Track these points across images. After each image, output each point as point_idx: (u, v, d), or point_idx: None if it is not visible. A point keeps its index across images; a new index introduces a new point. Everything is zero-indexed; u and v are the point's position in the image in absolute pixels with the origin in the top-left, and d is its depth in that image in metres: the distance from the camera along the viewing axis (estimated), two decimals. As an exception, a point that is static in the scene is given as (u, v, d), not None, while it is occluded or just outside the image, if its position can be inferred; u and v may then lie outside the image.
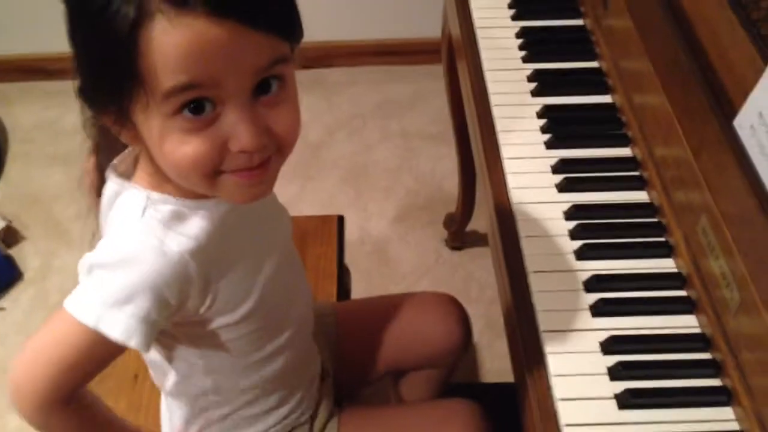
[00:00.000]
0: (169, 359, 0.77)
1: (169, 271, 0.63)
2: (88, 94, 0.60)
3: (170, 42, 0.52)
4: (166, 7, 0.51)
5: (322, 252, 1.18)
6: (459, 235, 1.72)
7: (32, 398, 0.67)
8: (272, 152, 0.60)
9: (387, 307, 1.03)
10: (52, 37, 2.16)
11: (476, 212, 1.67)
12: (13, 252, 1.76)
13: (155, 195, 0.65)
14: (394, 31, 2.12)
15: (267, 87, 0.57)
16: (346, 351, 1.00)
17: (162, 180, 0.65)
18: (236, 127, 0.56)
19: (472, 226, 1.71)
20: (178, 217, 0.65)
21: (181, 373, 0.78)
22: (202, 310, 0.69)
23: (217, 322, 0.72)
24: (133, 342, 0.64)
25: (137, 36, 0.52)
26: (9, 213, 1.82)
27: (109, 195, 0.68)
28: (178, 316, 0.68)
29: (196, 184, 0.61)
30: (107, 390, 1.02)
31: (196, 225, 0.66)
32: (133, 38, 0.52)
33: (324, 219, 1.23)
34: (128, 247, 0.63)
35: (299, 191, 1.85)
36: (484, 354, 1.58)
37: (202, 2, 0.51)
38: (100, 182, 0.70)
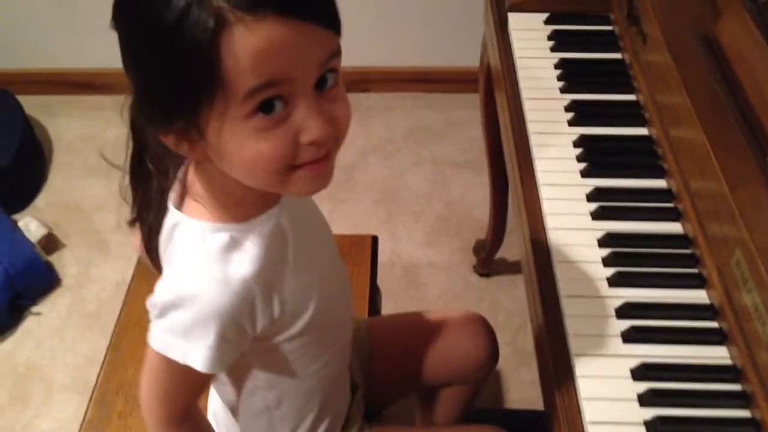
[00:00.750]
0: (234, 376, 0.80)
1: (237, 299, 0.67)
2: (154, 113, 0.61)
3: (249, 46, 0.55)
4: (242, 14, 0.55)
5: (355, 271, 1.20)
6: (488, 262, 1.73)
7: (153, 420, 0.77)
8: (333, 144, 0.63)
9: (417, 323, 1.05)
10: (99, 54, 2.24)
11: (506, 240, 1.68)
12: (53, 258, 1.81)
13: (209, 225, 0.68)
14: (430, 59, 2.16)
15: (324, 81, 0.61)
16: (377, 365, 1.02)
17: (215, 205, 0.68)
18: (307, 120, 0.59)
19: (501, 254, 1.73)
20: (233, 244, 0.68)
21: (245, 388, 0.82)
22: (267, 326, 0.72)
23: (280, 336, 0.75)
24: (217, 369, 0.69)
25: (218, 43, 0.55)
26: (50, 221, 1.87)
27: (168, 227, 0.71)
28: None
29: (268, 182, 0.63)
30: (134, 398, 1.04)
31: (250, 248, 0.68)
32: (215, 46, 0.55)
33: (358, 238, 1.25)
34: (194, 283, 0.66)
35: (331, 212, 1.88)
36: (509, 381, 1.59)
37: (272, 6, 0.55)
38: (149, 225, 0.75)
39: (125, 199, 0.75)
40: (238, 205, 0.68)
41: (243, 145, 0.60)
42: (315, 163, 0.62)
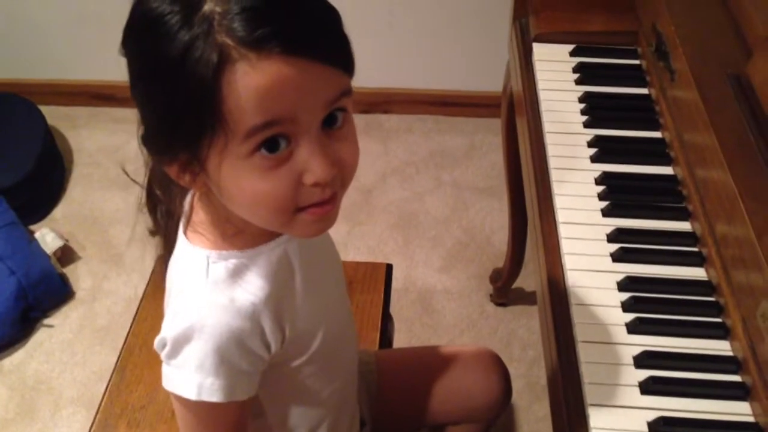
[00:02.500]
0: None
1: (247, 324, 0.65)
2: (156, 143, 0.61)
3: (251, 84, 0.54)
4: (246, 52, 0.53)
5: (368, 299, 1.18)
6: (505, 291, 1.70)
7: None
8: (339, 185, 0.62)
9: (428, 358, 1.03)
10: (122, 67, 2.25)
11: (524, 270, 1.65)
12: (67, 271, 1.80)
13: (213, 254, 0.67)
14: (453, 82, 2.14)
15: (333, 120, 0.59)
16: (385, 400, 0.99)
17: (218, 234, 0.67)
18: (310, 160, 0.58)
19: (518, 283, 1.70)
20: (240, 271, 0.67)
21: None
22: (278, 350, 0.70)
23: (288, 364, 0.74)
24: (238, 397, 0.68)
25: (220, 80, 0.54)
26: (67, 233, 1.87)
27: (176, 252, 0.70)
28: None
29: (271, 222, 0.62)
30: (148, 416, 1.03)
31: (258, 274, 0.67)
32: (217, 82, 0.54)
33: (372, 266, 1.23)
34: (201, 314, 0.65)
35: (348, 234, 1.86)
36: (522, 416, 1.55)
37: (278, 44, 0.54)
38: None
39: (143, 212, 0.75)
40: (242, 235, 0.67)
41: (244, 183, 0.58)
42: (319, 206, 0.60)
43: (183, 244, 0.69)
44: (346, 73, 0.59)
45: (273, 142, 0.57)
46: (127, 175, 0.75)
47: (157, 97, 0.58)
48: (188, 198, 0.70)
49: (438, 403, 1.00)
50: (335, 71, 0.57)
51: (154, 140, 0.61)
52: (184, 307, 0.66)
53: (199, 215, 0.68)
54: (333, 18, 0.59)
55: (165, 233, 0.73)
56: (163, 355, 0.67)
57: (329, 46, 0.57)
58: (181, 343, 0.65)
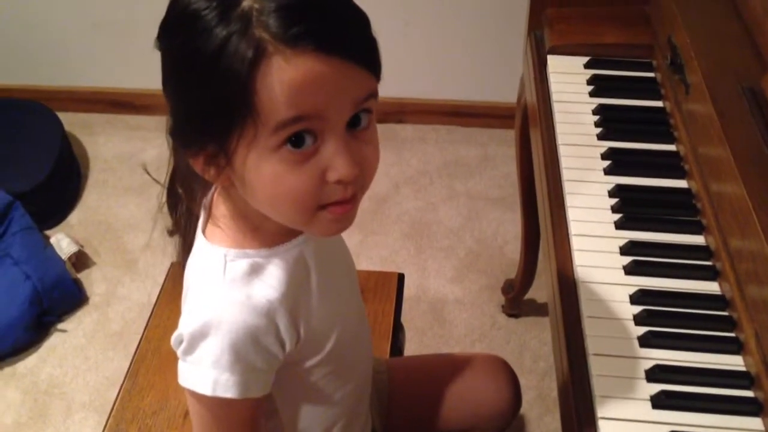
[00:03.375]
0: None
1: (262, 321, 0.66)
2: (186, 135, 0.62)
3: (285, 78, 0.55)
4: (282, 47, 0.55)
5: (379, 309, 1.18)
6: (516, 302, 1.70)
7: None
8: (360, 185, 0.63)
9: (439, 366, 1.03)
10: (140, 74, 2.28)
11: (536, 281, 1.64)
12: (82, 276, 1.82)
13: (231, 252, 0.68)
14: (468, 92, 2.14)
15: (357, 121, 0.61)
16: (396, 407, 1.00)
17: (237, 230, 0.68)
18: (335, 158, 0.59)
19: (530, 294, 1.69)
20: (256, 269, 0.68)
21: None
22: (293, 349, 0.71)
23: (302, 364, 0.74)
24: (252, 394, 0.68)
25: (255, 73, 0.55)
26: (82, 238, 1.89)
27: (195, 250, 0.71)
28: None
29: (291, 218, 0.64)
30: (159, 422, 1.04)
31: (274, 273, 0.68)
32: (252, 76, 0.55)
33: (384, 275, 1.23)
34: (218, 310, 0.66)
35: (360, 243, 1.86)
36: (533, 427, 1.54)
37: (313, 41, 0.55)
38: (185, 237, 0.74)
39: (162, 211, 0.76)
40: (261, 233, 0.68)
41: (268, 177, 0.60)
42: (340, 205, 0.62)
43: (201, 242, 0.70)
44: (373, 75, 0.60)
45: (299, 138, 0.58)
46: (148, 174, 0.77)
47: (191, 90, 0.59)
48: (208, 196, 0.71)
49: (448, 410, 1.00)
50: (364, 72, 0.59)
51: (184, 132, 0.62)
52: (201, 304, 0.67)
53: (220, 209, 0.69)
54: (364, 20, 0.60)
55: (184, 233, 0.75)
56: (179, 351, 0.68)
57: (360, 46, 0.59)
58: (197, 338, 0.66)
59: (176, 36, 0.59)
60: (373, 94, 0.61)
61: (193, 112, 0.60)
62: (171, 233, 0.77)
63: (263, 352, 0.67)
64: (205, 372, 0.66)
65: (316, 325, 0.72)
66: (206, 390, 0.66)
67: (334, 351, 0.75)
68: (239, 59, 0.55)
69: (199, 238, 0.71)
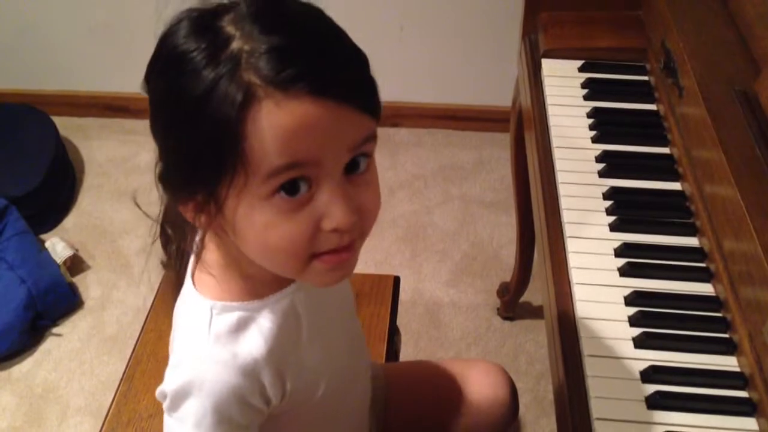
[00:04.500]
0: None
1: (247, 380, 0.64)
2: (174, 182, 0.59)
3: (276, 124, 0.53)
4: (273, 91, 0.52)
5: (375, 312, 1.18)
6: (512, 305, 1.70)
7: None
8: (359, 233, 0.60)
9: (436, 372, 1.03)
10: (135, 79, 2.28)
11: (531, 284, 1.65)
12: (77, 280, 1.81)
13: (218, 305, 0.65)
14: (462, 96, 2.15)
15: (356, 165, 0.58)
16: (392, 413, 0.99)
17: (226, 279, 0.66)
18: (331, 205, 0.56)
19: (526, 297, 1.70)
20: (243, 324, 0.65)
21: None
22: (278, 403, 0.69)
23: (290, 411, 0.72)
24: None
25: (244, 118, 0.53)
26: (77, 242, 1.88)
27: (183, 293, 0.69)
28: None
29: (284, 268, 0.61)
30: (154, 426, 1.03)
31: (262, 327, 0.66)
32: (241, 121, 0.53)
33: (380, 278, 1.23)
34: (201, 370, 0.64)
35: (356, 246, 1.86)
36: (528, 430, 1.54)
37: (306, 84, 0.52)
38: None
39: (153, 237, 0.73)
40: (251, 282, 0.66)
41: (260, 225, 0.57)
42: (336, 254, 0.59)
43: (189, 288, 0.68)
44: (372, 117, 0.57)
45: (293, 185, 0.55)
46: (139, 208, 0.74)
47: (178, 134, 0.57)
48: (199, 236, 0.67)
49: (445, 416, 1.00)
50: (362, 115, 0.56)
51: (173, 178, 0.59)
52: (184, 361, 0.65)
53: (210, 255, 0.67)
54: (361, 61, 0.58)
55: (177, 270, 0.72)
56: (164, 406, 0.67)
57: (357, 88, 0.56)
58: (180, 397, 0.64)
59: (164, 77, 0.57)
60: (371, 136, 0.58)
61: (182, 157, 0.57)
62: (164, 266, 0.74)
63: (247, 411, 0.66)
64: (189, 431, 0.65)
65: (304, 376, 0.70)
66: None
67: (324, 397, 0.73)
68: (228, 104, 0.52)
69: (188, 282, 0.68)
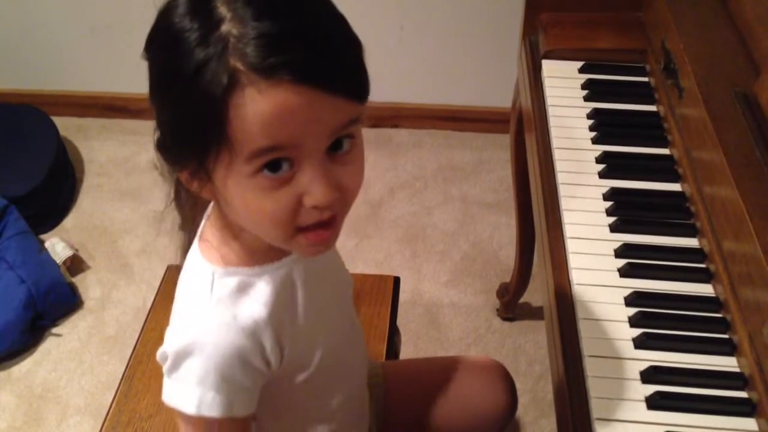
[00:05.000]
0: None
1: (248, 342, 0.66)
2: (168, 149, 0.62)
3: (257, 109, 0.54)
4: (256, 78, 0.54)
5: (375, 311, 1.18)
6: (511, 306, 1.70)
7: None
8: (339, 208, 0.62)
9: (435, 369, 1.03)
10: (135, 79, 2.28)
11: (531, 285, 1.65)
12: (77, 280, 1.81)
13: (220, 270, 0.68)
14: (462, 97, 2.15)
15: (339, 145, 0.60)
16: (392, 412, 1.00)
17: (227, 247, 0.68)
18: (311, 183, 0.58)
19: (525, 298, 1.70)
20: (244, 287, 0.68)
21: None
22: (277, 368, 0.71)
23: (288, 378, 0.74)
24: (237, 413, 0.67)
25: (228, 102, 0.55)
26: (77, 242, 1.88)
27: (188, 259, 0.71)
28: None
29: (273, 238, 0.63)
30: (154, 426, 1.03)
31: (261, 291, 0.68)
32: (225, 104, 0.55)
33: (380, 279, 1.23)
34: (204, 330, 0.66)
35: (356, 248, 1.87)
36: (528, 431, 1.55)
37: (288, 72, 0.54)
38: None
39: (170, 206, 0.74)
40: (251, 250, 0.68)
41: (246, 200, 0.59)
42: (318, 230, 0.61)
43: (194, 253, 0.70)
44: (357, 101, 0.59)
45: (276, 164, 0.57)
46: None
47: (170, 107, 0.59)
48: (209, 207, 0.71)
49: (444, 414, 1.00)
50: (346, 101, 0.57)
51: (166, 147, 0.62)
52: (187, 323, 0.67)
53: (214, 222, 0.69)
54: (351, 49, 0.59)
55: (189, 232, 0.74)
56: (164, 368, 0.68)
57: (343, 77, 0.57)
58: (182, 357, 0.66)
59: (160, 52, 0.59)
60: (355, 120, 0.59)
61: (173, 129, 0.60)
62: (182, 227, 0.75)
63: (249, 372, 0.67)
64: (190, 390, 0.66)
65: (300, 343, 0.72)
66: (191, 409, 0.66)
67: (320, 366, 0.75)
68: (214, 85, 0.54)
69: (194, 247, 0.71)
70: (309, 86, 0.55)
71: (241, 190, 0.59)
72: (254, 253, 0.68)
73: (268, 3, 0.56)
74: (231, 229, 0.68)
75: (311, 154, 0.58)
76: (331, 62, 0.56)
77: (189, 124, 0.58)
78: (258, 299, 0.68)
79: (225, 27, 0.55)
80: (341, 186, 0.60)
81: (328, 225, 0.62)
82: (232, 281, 0.67)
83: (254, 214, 0.60)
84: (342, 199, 0.61)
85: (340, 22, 0.60)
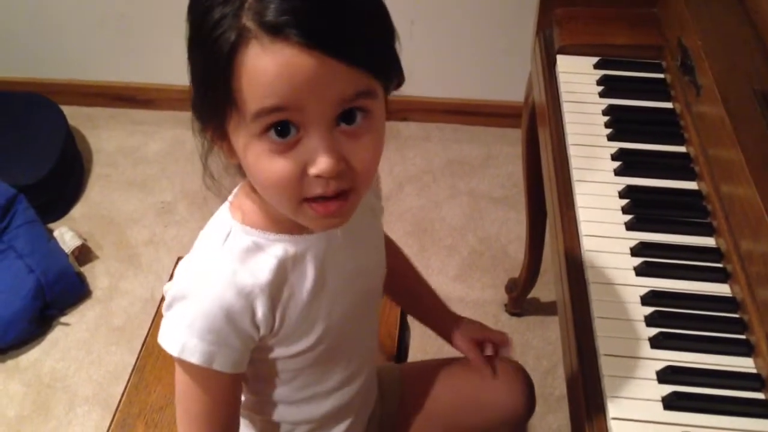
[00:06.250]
0: None
1: (240, 302, 0.67)
2: (196, 107, 0.63)
3: (260, 67, 0.55)
4: (261, 34, 0.55)
5: (385, 307, 1.18)
6: (520, 301, 1.70)
7: None
8: (349, 185, 0.61)
9: (451, 370, 1.02)
10: (143, 69, 2.28)
11: (539, 280, 1.64)
12: (85, 270, 1.81)
13: (238, 226, 0.69)
14: (472, 91, 2.14)
15: (352, 117, 0.59)
16: (407, 411, 0.99)
17: (255, 209, 0.69)
18: (315, 151, 0.58)
19: (533, 293, 1.69)
20: (255, 250, 0.68)
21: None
22: (266, 335, 0.72)
23: (276, 351, 0.74)
24: (217, 366, 0.68)
25: (233, 59, 0.56)
26: (85, 232, 1.88)
27: (219, 210, 0.73)
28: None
29: (281, 205, 0.64)
30: (166, 418, 1.03)
31: (271, 259, 0.69)
32: (230, 60, 0.56)
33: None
34: (203, 277, 0.67)
35: (364, 240, 1.86)
36: (535, 426, 1.54)
37: (295, 32, 0.54)
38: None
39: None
40: (273, 218, 0.69)
41: (255, 163, 0.60)
42: (323, 204, 0.61)
43: (222, 209, 0.72)
44: (371, 73, 0.58)
45: (284, 127, 0.58)
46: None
47: (193, 63, 0.61)
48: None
49: (460, 414, 0.99)
50: (355, 70, 0.56)
51: (194, 104, 0.63)
52: (192, 268, 0.69)
53: (245, 186, 0.70)
54: (373, 24, 0.59)
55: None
56: (165, 304, 0.69)
57: (354, 44, 0.56)
58: (177, 299, 0.68)
59: (191, 11, 0.60)
60: (366, 92, 0.58)
61: (196, 83, 0.61)
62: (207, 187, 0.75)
63: (236, 330, 0.68)
64: (177, 333, 0.67)
65: (297, 318, 0.72)
66: (174, 351, 0.67)
67: (316, 345, 0.75)
68: (223, 41, 0.56)
69: (224, 206, 0.72)
70: (314, 48, 0.54)
71: (251, 152, 0.60)
72: (277, 221, 0.69)
73: None
74: (259, 194, 0.68)
75: (317, 120, 0.58)
76: (342, 27, 0.56)
77: (205, 81, 0.59)
78: (263, 265, 0.68)
79: None
80: (349, 159, 0.60)
81: (336, 198, 0.61)
82: (247, 239, 0.68)
83: (262, 178, 0.61)
84: (351, 174, 0.60)
85: (375, 3, 0.60)
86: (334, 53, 0.55)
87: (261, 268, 0.68)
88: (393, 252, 0.93)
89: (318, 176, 0.59)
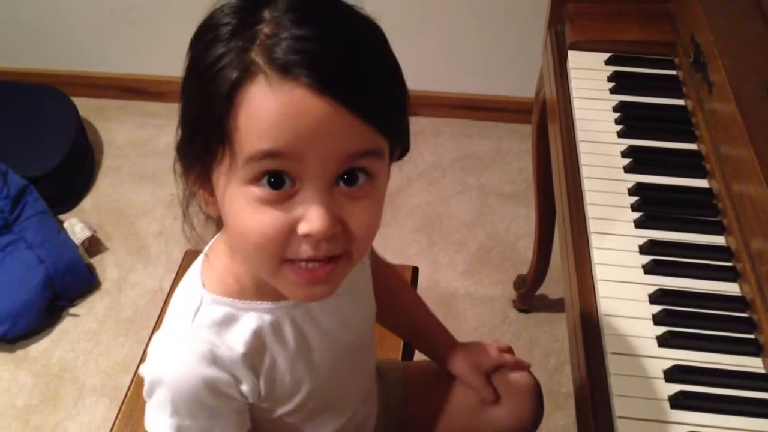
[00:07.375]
0: None
1: (222, 374, 0.64)
2: (182, 148, 0.59)
3: (264, 105, 0.51)
4: (270, 70, 0.51)
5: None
6: (528, 298, 1.70)
7: None
8: (341, 250, 0.57)
9: (457, 379, 0.99)
10: (155, 61, 2.27)
11: (547, 277, 1.64)
12: (94, 261, 1.82)
13: (209, 296, 0.65)
14: (482, 86, 2.13)
15: (354, 179, 0.55)
16: (410, 414, 0.98)
17: (227, 273, 0.65)
18: (308, 208, 0.53)
19: (542, 290, 1.69)
20: (229, 322, 0.65)
21: None
22: (255, 400, 0.69)
23: (264, 413, 0.72)
24: None
25: (235, 94, 0.52)
26: (95, 223, 1.89)
27: (191, 267, 0.69)
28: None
29: (259, 265, 0.59)
30: None
31: (247, 329, 0.65)
32: (231, 97, 0.52)
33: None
34: (175, 361, 0.64)
35: (373, 235, 1.86)
36: (542, 424, 1.53)
37: (307, 73, 0.50)
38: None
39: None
40: (248, 280, 0.65)
41: (238, 212, 0.55)
42: (308, 270, 0.56)
43: (194, 269, 0.68)
44: (380, 132, 0.54)
45: (278, 178, 0.53)
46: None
47: (185, 99, 0.58)
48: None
49: (465, 419, 0.97)
50: (366, 125, 0.53)
51: (180, 143, 0.59)
52: (163, 348, 0.66)
53: (219, 246, 0.67)
54: (387, 81, 0.56)
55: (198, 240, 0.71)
56: (144, 389, 0.66)
57: (369, 96, 0.53)
58: (155, 385, 0.65)
59: (193, 42, 0.57)
60: (373, 152, 0.54)
61: (184, 122, 0.58)
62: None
63: (224, 400, 0.65)
64: (166, 421, 0.65)
65: (280, 384, 0.69)
66: None
67: (303, 405, 0.72)
68: (224, 78, 0.52)
69: (197, 262, 0.68)
70: (327, 92, 0.51)
71: (236, 200, 0.55)
72: (253, 283, 0.65)
73: (315, 19, 0.53)
74: (234, 256, 0.65)
75: (316, 175, 0.53)
76: (359, 76, 0.53)
77: (199, 115, 0.56)
78: (238, 338, 0.65)
79: (261, 26, 0.53)
80: (346, 223, 0.55)
81: (322, 266, 0.56)
82: (218, 311, 0.64)
83: (242, 229, 0.56)
84: (346, 238, 0.56)
85: (387, 59, 0.56)
86: (346, 102, 0.51)
87: (236, 342, 0.64)
88: (388, 282, 0.90)
89: (308, 236, 0.54)
